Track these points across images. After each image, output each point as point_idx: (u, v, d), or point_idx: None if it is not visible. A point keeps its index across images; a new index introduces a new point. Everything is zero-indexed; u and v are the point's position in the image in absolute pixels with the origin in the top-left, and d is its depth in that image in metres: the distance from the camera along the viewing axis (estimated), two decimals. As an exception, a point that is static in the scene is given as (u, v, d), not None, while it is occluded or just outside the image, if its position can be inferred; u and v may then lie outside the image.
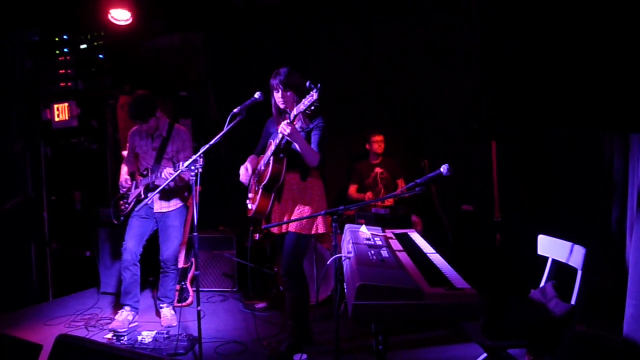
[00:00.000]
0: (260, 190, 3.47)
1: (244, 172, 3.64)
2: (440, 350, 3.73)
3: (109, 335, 4.08)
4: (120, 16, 5.01)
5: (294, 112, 3.25)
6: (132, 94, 4.22)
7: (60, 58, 5.46)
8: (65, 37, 5.44)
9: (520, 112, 4.69)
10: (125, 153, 4.54)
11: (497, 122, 4.85)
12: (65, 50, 5.44)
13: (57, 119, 5.41)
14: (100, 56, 5.30)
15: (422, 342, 3.91)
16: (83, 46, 5.37)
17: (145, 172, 4.28)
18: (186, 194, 4.42)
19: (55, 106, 5.40)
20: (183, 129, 4.37)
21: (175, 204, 4.36)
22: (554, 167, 4.53)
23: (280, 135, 3.34)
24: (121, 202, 4.41)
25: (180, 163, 3.68)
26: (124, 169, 4.44)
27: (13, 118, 5.46)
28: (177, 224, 4.39)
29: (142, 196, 4.25)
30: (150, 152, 4.29)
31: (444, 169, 2.85)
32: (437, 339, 3.92)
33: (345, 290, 2.68)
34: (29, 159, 5.58)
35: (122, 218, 4.37)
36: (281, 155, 3.47)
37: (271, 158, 3.44)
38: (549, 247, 3.18)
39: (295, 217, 3.47)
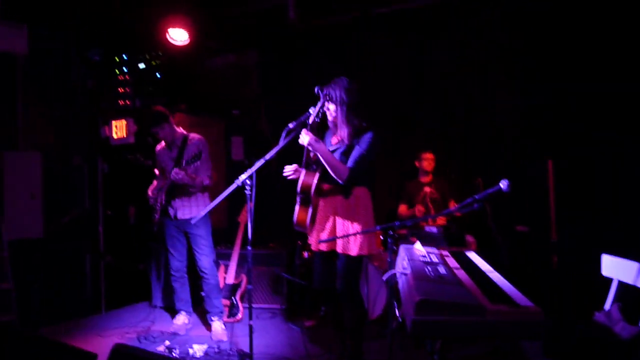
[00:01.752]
0: (298, 202, 3.44)
1: (289, 170, 3.49)
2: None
3: (161, 348, 4.12)
4: (178, 36, 5.16)
5: (310, 120, 3.23)
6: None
7: (119, 77, 5.65)
8: (124, 57, 5.63)
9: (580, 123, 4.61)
10: (156, 171, 4.73)
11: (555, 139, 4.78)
12: (125, 69, 5.63)
13: (115, 136, 5.57)
14: (158, 75, 5.46)
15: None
16: (141, 66, 5.54)
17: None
18: (204, 205, 4.51)
19: (114, 123, 5.57)
20: (197, 137, 4.52)
21: (196, 211, 4.44)
22: (618, 184, 4.37)
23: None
24: (153, 213, 4.59)
25: (183, 160, 4.25)
26: (153, 184, 4.66)
27: (73, 134, 5.66)
28: (203, 232, 4.50)
29: (163, 202, 4.47)
30: (169, 162, 4.48)
31: (503, 184, 2.75)
32: (493, 357, 3.79)
33: (402, 305, 2.64)
34: (87, 173, 5.75)
35: (155, 228, 4.58)
36: (314, 167, 3.42)
37: (304, 170, 3.40)
38: (614, 267, 3.05)
39: (341, 235, 3.37)
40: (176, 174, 4.20)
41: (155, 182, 4.67)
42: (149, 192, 4.60)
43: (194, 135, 4.53)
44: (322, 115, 3.41)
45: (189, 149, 4.44)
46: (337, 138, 3.45)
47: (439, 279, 2.59)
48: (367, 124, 3.35)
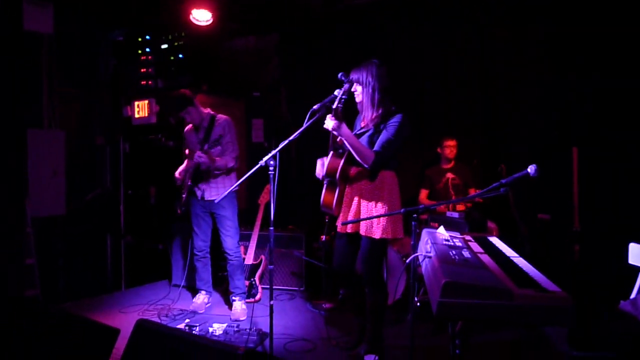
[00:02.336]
0: (325, 184, 3.44)
1: (319, 166, 3.53)
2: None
3: (182, 325, 4.17)
4: (202, 17, 5.14)
5: (334, 105, 3.22)
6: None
7: (142, 57, 5.66)
8: (147, 37, 5.64)
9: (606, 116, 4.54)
10: (187, 151, 4.73)
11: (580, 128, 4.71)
12: (147, 50, 5.64)
13: (137, 116, 5.60)
14: (180, 56, 5.46)
15: (499, 346, 3.79)
16: (164, 46, 5.54)
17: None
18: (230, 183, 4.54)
19: (136, 103, 5.59)
20: (223, 117, 4.53)
21: (223, 192, 4.44)
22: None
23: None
24: (179, 193, 4.64)
25: (205, 145, 4.31)
26: (182, 166, 4.68)
27: (96, 113, 5.70)
28: (229, 213, 4.52)
29: (189, 183, 4.50)
30: (197, 144, 4.51)
31: (531, 169, 2.70)
32: (515, 345, 3.79)
33: (427, 288, 2.63)
34: (109, 153, 5.80)
35: (183, 208, 4.59)
36: (340, 150, 3.42)
37: (331, 152, 3.40)
38: (641, 256, 3.02)
39: (363, 218, 3.37)
40: (199, 157, 4.25)
41: (185, 163, 4.68)
42: (176, 174, 4.62)
43: (221, 116, 4.54)
44: (350, 99, 3.40)
45: (215, 131, 4.47)
46: (366, 121, 3.44)
47: (463, 263, 2.57)
48: (395, 108, 3.34)
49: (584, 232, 4.54)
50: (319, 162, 3.54)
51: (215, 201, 4.38)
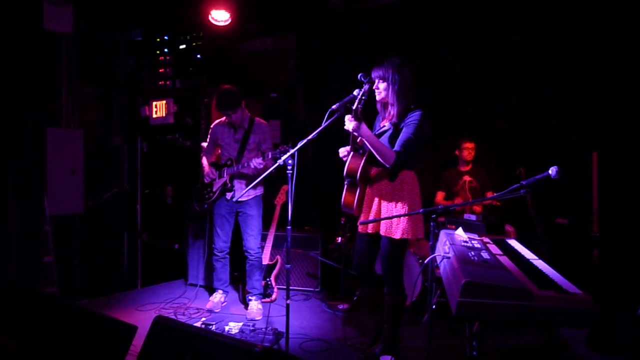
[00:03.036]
0: (345, 185, 3.43)
1: (343, 150, 3.47)
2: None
3: (198, 324, 4.18)
4: (220, 17, 5.18)
5: (354, 106, 3.20)
6: (218, 89, 4.44)
7: (160, 57, 5.71)
8: (166, 37, 5.68)
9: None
10: (204, 144, 4.76)
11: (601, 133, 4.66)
12: (166, 50, 5.69)
13: (154, 116, 5.64)
14: (198, 56, 5.50)
15: (515, 349, 3.76)
16: (182, 46, 5.59)
17: (229, 163, 4.47)
18: (262, 186, 4.57)
19: (154, 103, 5.64)
20: (264, 122, 4.56)
21: (254, 192, 4.49)
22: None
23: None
24: (204, 191, 4.61)
25: (269, 153, 4.11)
26: (204, 160, 4.67)
27: (114, 113, 5.76)
28: (255, 213, 4.54)
29: (229, 185, 4.48)
30: (233, 143, 4.49)
31: (552, 171, 2.67)
32: (532, 348, 3.76)
33: (446, 288, 2.61)
34: (127, 152, 5.85)
35: (205, 206, 4.60)
36: (360, 151, 3.41)
37: (351, 153, 3.39)
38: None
39: (382, 217, 3.36)
40: (259, 164, 4.21)
41: (204, 158, 4.67)
42: (208, 171, 4.57)
43: (260, 121, 4.56)
44: (369, 100, 3.40)
45: (256, 134, 4.48)
46: (386, 120, 3.44)
47: (483, 263, 2.56)
48: (415, 106, 3.34)
49: (602, 237, 4.50)
50: (343, 148, 3.49)
51: (237, 198, 4.40)
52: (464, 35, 5.36)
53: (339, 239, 5.26)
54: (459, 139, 5.25)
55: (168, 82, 5.67)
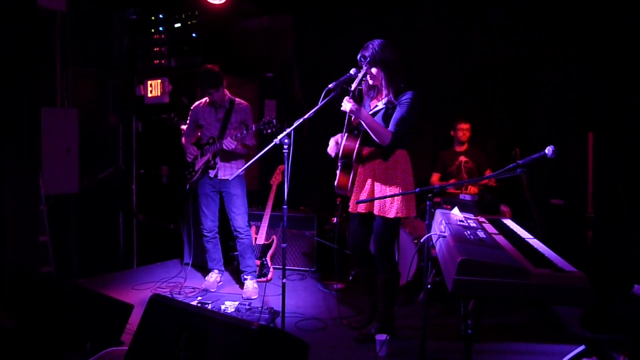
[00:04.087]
0: (339, 166, 3.43)
1: (332, 144, 3.53)
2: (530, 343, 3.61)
3: (194, 303, 4.19)
4: (216, -5, 5.13)
5: (352, 86, 3.20)
6: (201, 69, 4.45)
7: (155, 36, 5.66)
8: (161, 16, 5.62)
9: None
10: (184, 127, 4.76)
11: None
12: (161, 29, 5.63)
13: (149, 95, 5.61)
14: (193, 35, 5.44)
15: (510, 328, 3.80)
16: (177, 25, 5.53)
17: (211, 141, 4.49)
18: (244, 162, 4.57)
19: (149, 82, 5.60)
20: (244, 103, 4.58)
21: (236, 170, 4.48)
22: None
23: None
24: (186, 171, 4.62)
25: (252, 126, 4.21)
26: (185, 140, 4.69)
27: (109, 92, 5.71)
28: (239, 192, 4.54)
29: (212, 162, 4.50)
30: (215, 123, 4.51)
31: (549, 150, 2.66)
32: (526, 327, 3.80)
33: (442, 266, 2.63)
34: (122, 132, 5.82)
35: (188, 186, 4.64)
36: (355, 132, 3.42)
37: (345, 134, 3.39)
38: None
39: (377, 197, 3.38)
40: (230, 143, 4.26)
41: (184, 139, 4.69)
42: (191, 150, 4.59)
43: (241, 101, 4.56)
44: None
45: (237, 114, 4.49)
46: (377, 101, 3.43)
47: (479, 242, 2.56)
48: (405, 85, 3.34)
49: (597, 218, 4.52)
50: (332, 139, 3.54)
51: (230, 178, 4.40)
52: (465, 16, 5.33)
53: (335, 219, 5.28)
54: (455, 119, 5.25)
55: (163, 61, 5.62)
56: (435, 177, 5.34)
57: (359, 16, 5.75)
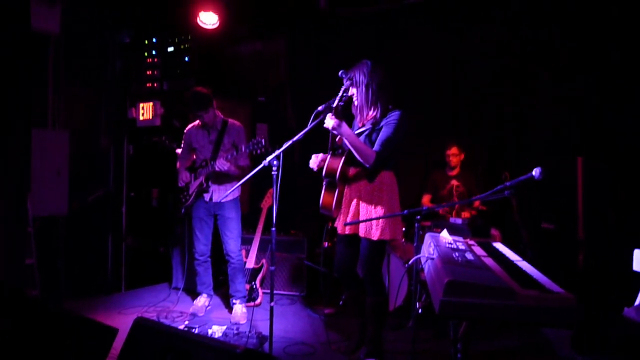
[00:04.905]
0: (324, 185, 3.40)
1: (314, 159, 3.48)
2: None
3: (181, 327, 4.13)
4: (209, 20, 5.17)
5: (334, 103, 3.19)
6: (189, 91, 4.49)
7: (148, 60, 5.69)
8: (154, 40, 5.67)
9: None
10: (179, 151, 4.75)
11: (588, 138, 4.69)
12: (154, 52, 5.67)
13: (141, 118, 5.61)
14: (186, 59, 5.48)
15: (500, 352, 3.75)
16: (170, 49, 5.57)
17: (204, 164, 4.46)
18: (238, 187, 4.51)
19: (141, 105, 5.61)
20: (237, 123, 4.55)
21: (232, 194, 4.46)
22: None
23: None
24: (181, 195, 4.59)
25: (242, 147, 4.14)
26: (180, 164, 4.67)
27: (101, 114, 5.72)
28: (234, 215, 4.51)
29: (204, 185, 4.47)
30: (208, 145, 4.49)
31: (536, 172, 2.67)
32: (517, 351, 3.75)
33: (429, 288, 2.60)
34: (113, 154, 5.81)
35: (183, 210, 4.58)
36: (339, 150, 3.39)
37: (329, 153, 3.37)
38: (647, 262, 2.99)
39: (364, 219, 3.33)
40: (222, 164, 4.23)
41: (179, 163, 4.67)
42: (182, 175, 4.57)
43: (234, 122, 4.54)
44: (349, 100, 3.40)
45: (230, 135, 4.47)
46: (362, 122, 3.43)
47: (467, 264, 2.55)
48: (392, 106, 3.33)
49: (588, 240, 4.51)
50: (314, 156, 3.50)
51: (220, 200, 4.38)
52: (455, 41, 5.40)
53: (326, 244, 5.24)
54: (446, 143, 5.27)
55: (156, 84, 5.64)
56: (426, 199, 5.34)
57: (352, 39, 5.81)
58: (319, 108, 3.27)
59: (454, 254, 2.71)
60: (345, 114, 3.41)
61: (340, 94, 3.23)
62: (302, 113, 5.89)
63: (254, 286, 4.88)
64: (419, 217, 2.87)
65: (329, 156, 3.37)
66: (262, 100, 5.95)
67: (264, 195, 5.07)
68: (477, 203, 4.95)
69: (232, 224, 4.50)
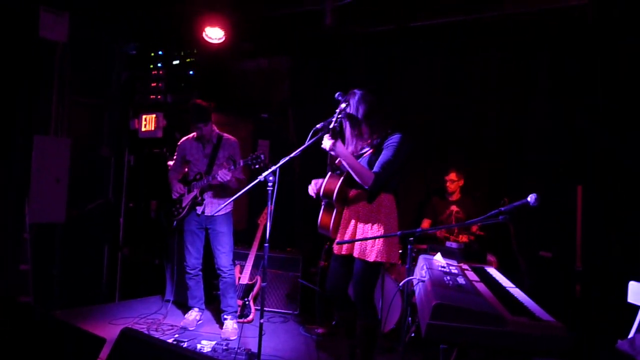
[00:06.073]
0: (322, 206, 3.38)
1: (312, 185, 3.48)
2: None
3: (170, 341, 4.09)
4: (214, 35, 5.22)
5: (331, 125, 3.17)
6: (190, 103, 4.47)
7: (153, 72, 5.74)
8: (160, 52, 5.72)
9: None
10: (171, 163, 4.75)
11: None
12: (159, 64, 5.71)
13: (143, 129, 5.63)
14: (191, 72, 5.52)
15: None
16: (175, 62, 5.62)
17: (198, 177, 4.46)
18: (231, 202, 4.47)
19: (144, 116, 5.63)
20: (232, 138, 4.57)
21: (225, 208, 4.43)
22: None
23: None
24: (173, 207, 4.57)
25: (240, 161, 4.13)
26: (171, 176, 4.65)
27: (104, 124, 5.75)
28: (226, 230, 4.49)
29: (199, 198, 4.46)
30: (203, 158, 4.49)
31: (531, 198, 2.65)
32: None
33: (418, 311, 2.57)
34: (114, 164, 5.82)
35: (175, 223, 4.55)
36: (338, 172, 3.38)
37: (329, 173, 3.36)
38: (641, 294, 2.95)
39: (358, 239, 3.30)
40: (224, 175, 4.19)
41: (171, 175, 4.66)
42: (177, 187, 4.54)
43: (229, 137, 4.56)
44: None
45: (225, 149, 4.48)
46: (364, 144, 3.42)
47: (457, 288, 2.52)
48: (391, 130, 3.32)
49: (586, 271, 4.46)
50: (313, 181, 3.50)
51: (213, 213, 4.37)
52: (456, 65, 5.41)
53: (322, 263, 5.20)
54: (446, 169, 5.25)
55: (159, 97, 5.67)
56: (425, 223, 5.30)
57: (356, 60, 5.84)
58: (317, 126, 3.26)
59: (445, 278, 2.68)
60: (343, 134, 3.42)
61: (336, 115, 3.22)
62: (304, 131, 5.90)
63: (247, 302, 4.84)
64: (411, 238, 2.83)
65: (327, 177, 3.36)
66: (265, 117, 5.96)
67: (261, 212, 5.05)
68: (474, 228, 4.92)
69: (224, 238, 4.47)
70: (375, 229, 3.28)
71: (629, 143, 4.40)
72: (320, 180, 3.45)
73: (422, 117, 5.53)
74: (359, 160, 3.30)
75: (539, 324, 2.14)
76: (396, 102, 5.52)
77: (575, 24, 4.69)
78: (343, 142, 3.25)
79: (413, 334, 4.26)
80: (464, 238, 4.84)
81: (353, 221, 3.36)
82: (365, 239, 3.26)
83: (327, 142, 3.16)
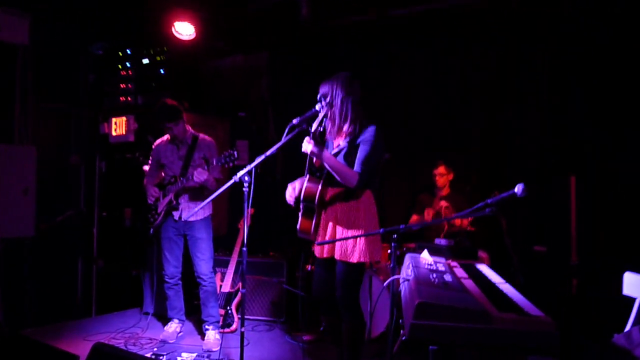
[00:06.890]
0: (301, 209, 3.18)
1: (290, 191, 3.28)
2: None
3: (148, 355, 3.87)
4: (184, 30, 5.00)
5: (313, 128, 3.01)
6: (159, 102, 4.26)
7: (122, 72, 5.49)
8: (128, 51, 5.48)
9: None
10: (147, 168, 4.54)
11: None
12: (128, 65, 5.47)
13: (114, 133, 5.39)
14: (161, 71, 5.29)
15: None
16: (145, 61, 5.38)
17: (172, 180, 4.24)
18: (210, 205, 4.33)
19: (114, 120, 5.38)
20: (209, 138, 4.36)
21: (202, 213, 4.24)
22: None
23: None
24: (149, 214, 4.35)
25: (213, 160, 3.88)
26: (147, 181, 4.44)
27: (72, 130, 5.50)
28: (205, 236, 4.28)
29: (174, 202, 4.23)
30: (177, 161, 4.28)
31: (518, 189, 2.46)
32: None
33: (403, 311, 2.39)
34: (84, 172, 5.58)
35: (152, 231, 4.32)
36: (317, 174, 3.20)
37: (307, 176, 3.16)
38: (637, 286, 2.76)
39: (338, 239, 3.12)
40: (200, 174, 3.96)
41: (146, 180, 4.45)
42: (151, 192, 4.33)
43: (205, 137, 4.35)
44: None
45: (200, 150, 4.27)
46: (340, 138, 3.22)
47: (443, 285, 2.35)
48: (367, 121, 3.14)
49: (581, 265, 4.29)
50: (289, 186, 3.28)
51: (188, 218, 4.14)
52: (442, 56, 5.24)
53: (309, 267, 4.99)
54: (434, 163, 5.07)
55: (129, 99, 5.43)
56: (414, 219, 5.10)
57: (336, 53, 5.64)
58: (294, 121, 3.08)
59: (431, 275, 2.51)
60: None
61: (319, 119, 3.04)
62: (284, 129, 5.72)
63: (229, 311, 4.60)
64: (395, 235, 2.63)
65: (305, 180, 3.15)
66: (243, 115, 5.74)
67: (241, 216, 4.81)
68: (465, 223, 4.74)
69: (202, 244, 4.25)
70: (355, 229, 3.10)
71: (621, 137, 4.28)
72: (296, 184, 3.26)
73: (408, 111, 5.35)
74: (336, 157, 3.12)
75: (527, 319, 2.01)
76: (379, 97, 5.34)
77: (565, 15, 4.55)
78: (318, 142, 3.03)
79: (404, 337, 4.04)
80: (464, 222, 4.67)
81: (331, 222, 3.19)
82: (346, 238, 3.06)
83: (308, 146, 2.98)
